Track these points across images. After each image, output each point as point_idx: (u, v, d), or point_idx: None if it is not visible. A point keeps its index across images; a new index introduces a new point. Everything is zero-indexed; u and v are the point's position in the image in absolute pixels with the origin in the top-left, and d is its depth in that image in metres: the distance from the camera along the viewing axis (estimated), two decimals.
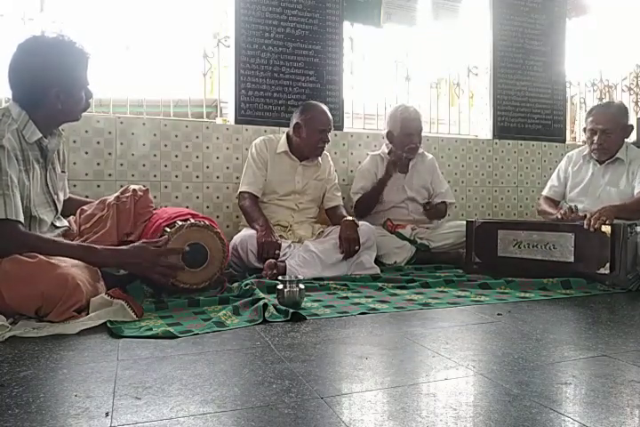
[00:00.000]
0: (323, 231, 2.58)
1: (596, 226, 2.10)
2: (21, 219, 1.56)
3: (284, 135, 2.69)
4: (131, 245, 1.72)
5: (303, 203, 2.67)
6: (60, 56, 1.62)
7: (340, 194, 2.79)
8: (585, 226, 2.13)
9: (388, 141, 2.97)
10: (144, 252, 1.69)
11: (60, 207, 1.84)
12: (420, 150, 3.03)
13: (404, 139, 2.88)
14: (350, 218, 2.47)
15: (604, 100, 4.35)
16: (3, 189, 1.51)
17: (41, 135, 1.65)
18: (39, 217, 1.68)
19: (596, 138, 2.56)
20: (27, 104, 1.62)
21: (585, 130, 2.64)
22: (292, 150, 2.64)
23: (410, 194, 2.94)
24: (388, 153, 2.98)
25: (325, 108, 2.66)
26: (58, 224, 1.82)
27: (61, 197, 1.86)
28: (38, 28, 2.65)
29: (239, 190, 2.62)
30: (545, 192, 2.87)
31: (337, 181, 2.83)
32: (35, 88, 1.62)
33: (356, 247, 2.35)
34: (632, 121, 4.44)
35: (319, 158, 2.71)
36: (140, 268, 1.71)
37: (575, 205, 2.47)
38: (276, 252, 2.28)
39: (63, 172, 1.89)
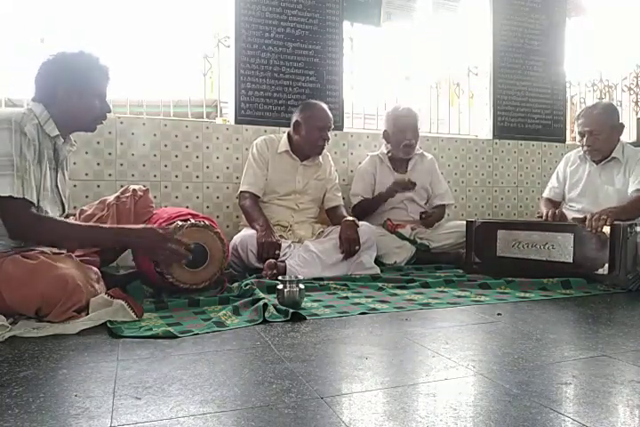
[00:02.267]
0: (323, 231, 2.58)
1: (598, 228, 2.09)
2: (35, 202, 1.60)
3: (285, 135, 2.69)
4: (141, 225, 1.79)
5: (304, 203, 2.67)
6: (78, 62, 1.70)
7: (340, 194, 2.79)
8: (587, 228, 2.12)
9: (385, 142, 2.98)
10: (153, 232, 1.73)
11: (67, 210, 1.85)
12: (420, 150, 3.04)
13: (398, 136, 2.89)
14: (350, 218, 2.47)
15: (605, 100, 4.35)
16: (22, 172, 1.54)
17: (58, 133, 1.69)
18: (44, 210, 1.70)
19: (584, 140, 2.57)
20: (44, 101, 1.68)
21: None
22: (294, 150, 2.65)
23: (409, 194, 2.93)
24: (387, 153, 2.99)
25: (325, 106, 2.66)
26: None
27: (68, 202, 1.87)
28: (38, 25, 2.65)
29: (240, 190, 2.62)
30: (545, 194, 2.87)
31: (337, 181, 2.83)
32: (49, 85, 1.69)
33: (357, 247, 2.35)
34: (632, 121, 4.46)
35: (320, 158, 2.71)
36: (146, 246, 1.74)
37: (560, 211, 2.47)
38: (276, 252, 2.28)
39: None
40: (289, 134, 2.68)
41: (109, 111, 1.80)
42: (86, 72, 1.70)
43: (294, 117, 2.64)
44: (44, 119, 1.66)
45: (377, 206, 2.89)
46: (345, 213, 2.68)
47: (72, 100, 1.68)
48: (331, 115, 2.64)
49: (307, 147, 2.62)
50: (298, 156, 2.65)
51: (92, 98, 1.72)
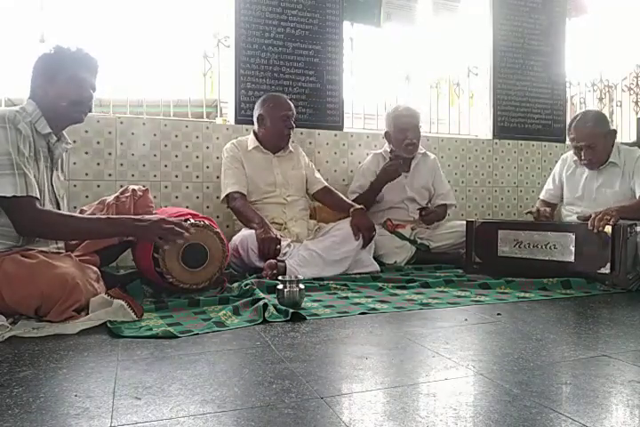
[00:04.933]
0: (320, 228, 2.59)
1: (600, 227, 2.09)
2: (39, 197, 1.60)
3: (252, 133, 2.71)
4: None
5: (291, 195, 2.66)
6: (51, 54, 1.72)
7: (319, 176, 2.80)
8: (589, 227, 2.12)
9: (388, 142, 2.98)
10: (155, 217, 1.76)
11: (62, 208, 1.84)
12: (423, 150, 3.03)
13: (399, 136, 2.88)
14: (359, 206, 2.53)
15: (605, 100, 4.36)
16: (23, 169, 1.55)
17: (50, 130, 1.70)
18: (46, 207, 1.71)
19: (582, 154, 2.54)
20: (34, 98, 1.70)
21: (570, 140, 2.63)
22: (262, 144, 2.66)
23: (410, 194, 2.93)
24: (390, 151, 2.98)
25: (285, 96, 2.72)
26: None
27: (63, 203, 1.87)
28: (38, 24, 2.65)
29: (224, 194, 2.56)
30: (541, 195, 2.89)
31: (314, 167, 2.84)
32: (31, 81, 1.73)
33: (373, 233, 2.45)
34: (632, 121, 4.46)
35: (291, 148, 2.72)
36: (149, 225, 1.71)
37: (545, 209, 2.56)
38: (277, 247, 2.27)
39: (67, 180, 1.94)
40: (254, 132, 2.69)
41: (89, 97, 1.76)
42: (58, 61, 1.71)
43: (256, 112, 2.66)
44: (35, 117, 1.67)
45: (373, 199, 2.85)
46: (345, 199, 2.70)
47: (45, 89, 1.69)
48: (292, 103, 2.67)
49: (274, 138, 2.63)
50: (268, 149, 2.66)
51: (64, 83, 1.71)
